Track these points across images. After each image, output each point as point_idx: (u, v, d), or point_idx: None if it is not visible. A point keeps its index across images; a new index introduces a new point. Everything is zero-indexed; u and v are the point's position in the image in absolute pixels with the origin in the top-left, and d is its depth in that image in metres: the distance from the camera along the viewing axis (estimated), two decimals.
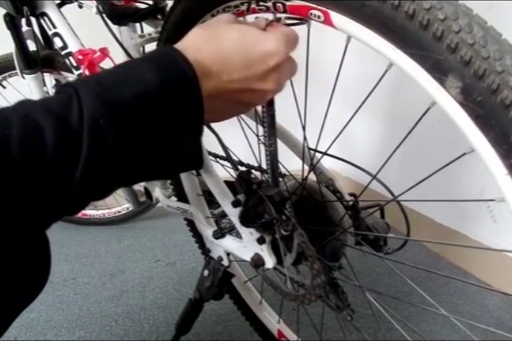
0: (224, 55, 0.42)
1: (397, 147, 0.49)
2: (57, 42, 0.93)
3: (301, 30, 0.49)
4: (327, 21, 0.43)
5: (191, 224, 0.91)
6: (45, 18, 0.95)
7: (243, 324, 0.99)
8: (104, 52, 0.89)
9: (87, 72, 0.88)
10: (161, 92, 0.38)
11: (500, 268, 1.21)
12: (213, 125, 0.70)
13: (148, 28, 0.87)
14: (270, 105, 0.58)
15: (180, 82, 0.39)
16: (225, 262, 0.80)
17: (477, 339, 0.59)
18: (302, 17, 0.47)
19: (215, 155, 0.80)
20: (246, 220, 0.61)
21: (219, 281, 0.80)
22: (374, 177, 0.57)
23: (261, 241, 0.62)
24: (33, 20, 1.00)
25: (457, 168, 1.28)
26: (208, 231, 0.76)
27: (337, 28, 0.43)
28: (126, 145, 0.37)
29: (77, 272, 1.42)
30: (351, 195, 0.65)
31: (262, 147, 0.69)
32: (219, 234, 0.72)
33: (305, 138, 0.65)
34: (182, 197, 0.87)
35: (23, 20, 1.05)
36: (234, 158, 0.70)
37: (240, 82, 0.43)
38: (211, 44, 0.42)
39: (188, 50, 0.41)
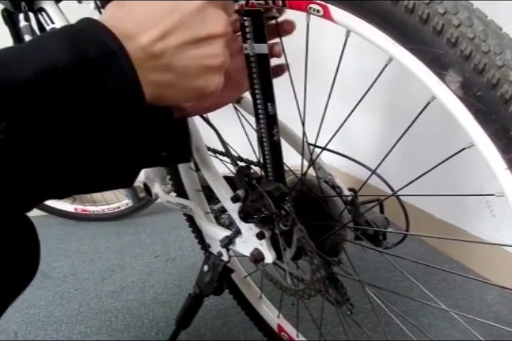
0: (142, 6, 0.35)
1: (397, 142, 0.49)
2: None
3: (300, 27, 0.48)
4: (326, 15, 0.43)
5: (191, 219, 0.91)
6: (43, 14, 0.94)
7: (243, 319, 1.00)
8: None
9: None
10: (74, 67, 0.30)
11: (498, 263, 1.22)
12: (212, 121, 0.70)
13: None
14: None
15: (98, 50, 0.31)
16: (225, 257, 0.80)
17: (476, 333, 0.60)
18: (302, 11, 0.47)
19: (214, 151, 0.80)
20: (245, 215, 0.61)
21: (219, 276, 0.80)
22: (373, 172, 0.57)
23: (260, 236, 0.62)
24: (31, 15, 1.00)
25: (457, 164, 1.28)
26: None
27: (336, 22, 0.43)
28: (28, 139, 0.29)
29: (77, 268, 1.42)
30: (350, 190, 0.65)
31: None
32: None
33: (304, 134, 0.65)
34: (181, 192, 0.87)
35: (21, 16, 1.04)
36: (233, 153, 0.70)
37: (173, 34, 0.34)
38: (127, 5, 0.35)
39: (106, 18, 0.34)
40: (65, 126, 0.30)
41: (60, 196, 0.35)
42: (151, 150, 0.37)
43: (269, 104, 0.56)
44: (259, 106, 0.56)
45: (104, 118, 0.32)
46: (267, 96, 0.55)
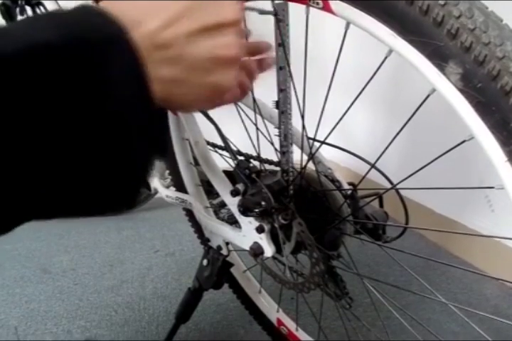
0: None
1: (396, 135, 0.49)
2: None
3: (300, 21, 0.48)
4: (326, 8, 0.43)
5: (190, 214, 0.91)
6: (41, 7, 0.94)
7: (242, 313, 1.00)
8: None
9: None
10: (64, 47, 0.25)
11: (498, 257, 1.22)
12: (211, 114, 0.69)
13: None
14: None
15: (93, 32, 0.26)
16: (224, 251, 0.80)
17: (475, 326, 0.60)
18: (302, 4, 0.46)
19: (214, 145, 0.79)
20: (245, 209, 0.61)
21: (218, 270, 0.80)
22: (373, 165, 0.57)
23: (260, 230, 0.62)
24: (29, 9, 0.99)
25: (456, 159, 1.28)
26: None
27: (336, 14, 0.42)
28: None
29: (77, 263, 1.42)
30: (350, 184, 0.65)
31: (261, 136, 0.69)
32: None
33: (304, 127, 0.65)
34: (181, 187, 0.87)
35: (18, 10, 1.04)
36: (232, 147, 0.70)
37: (181, 20, 0.30)
38: None
39: (105, 5, 0.29)
40: (49, 120, 0.24)
41: (41, 216, 0.28)
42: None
43: None
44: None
45: (101, 115, 0.26)
46: None
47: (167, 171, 0.93)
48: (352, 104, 0.53)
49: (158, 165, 0.99)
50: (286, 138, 0.61)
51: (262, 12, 0.50)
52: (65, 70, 0.24)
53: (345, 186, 0.64)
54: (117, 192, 0.29)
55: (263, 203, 0.59)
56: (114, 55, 0.26)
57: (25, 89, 0.23)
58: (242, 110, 0.72)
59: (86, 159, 0.26)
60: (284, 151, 0.61)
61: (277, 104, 0.59)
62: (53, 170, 0.25)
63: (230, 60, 0.33)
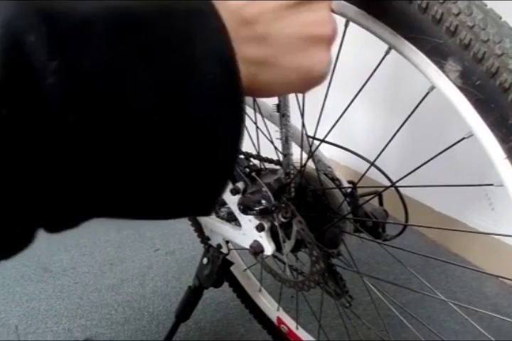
0: None
1: (396, 132, 0.49)
2: None
3: None
4: None
5: None
6: None
7: (243, 311, 1.00)
8: None
9: None
10: (150, 14, 0.22)
11: (497, 255, 1.22)
12: None
13: None
14: None
15: (181, 3, 0.23)
16: (224, 250, 0.80)
17: (475, 324, 0.60)
18: None
19: None
20: (245, 207, 0.61)
21: (218, 269, 0.80)
22: (372, 163, 0.57)
23: (260, 228, 0.62)
24: None
25: (456, 157, 1.28)
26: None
27: (335, 12, 0.42)
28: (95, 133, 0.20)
29: (77, 261, 1.42)
30: (350, 182, 0.65)
31: (261, 135, 0.69)
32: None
33: (303, 126, 0.65)
34: None
35: None
36: None
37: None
38: None
39: None
40: (132, 87, 0.21)
41: (103, 214, 0.25)
42: None
43: None
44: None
45: (188, 90, 0.22)
46: None
47: None
48: (351, 102, 0.53)
49: None
50: (287, 141, 0.61)
51: None
52: (146, 39, 0.21)
53: (345, 184, 0.64)
54: (200, 193, 0.26)
55: (263, 201, 0.59)
56: (201, 28, 0.23)
57: (109, 51, 0.20)
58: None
59: (173, 153, 0.23)
60: (286, 154, 0.61)
61: (278, 107, 0.59)
62: (134, 167, 0.22)
63: (324, 39, 0.30)
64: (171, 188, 0.24)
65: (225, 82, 0.24)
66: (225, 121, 0.24)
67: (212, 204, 0.27)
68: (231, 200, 0.65)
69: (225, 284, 0.88)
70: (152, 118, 0.21)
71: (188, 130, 0.23)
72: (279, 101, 0.59)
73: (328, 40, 0.30)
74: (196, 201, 0.26)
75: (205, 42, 0.23)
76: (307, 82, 0.30)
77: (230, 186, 0.64)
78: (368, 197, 0.63)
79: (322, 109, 0.59)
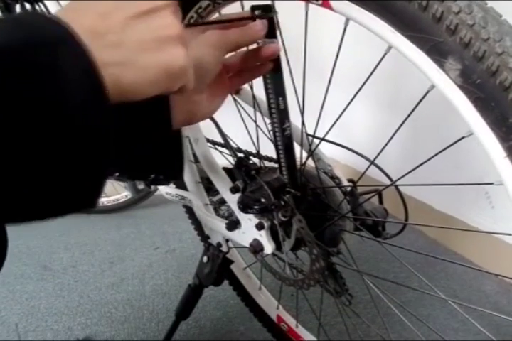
0: None
1: (396, 131, 0.49)
2: None
3: (299, 16, 0.48)
4: (325, 4, 0.43)
5: (190, 211, 0.91)
6: (40, 4, 0.93)
7: (243, 310, 1.00)
8: None
9: None
10: (14, 48, 0.26)
11: (497, 254, 1.22)
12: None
13: None
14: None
15: (40, 33, 0.27)
16: (224, 248, 0.80)
17: (475, 323, 0.60)
18: (301, 0, 0.46)
19: (214, 142, 0.79)
20: (244, 206, 0.61)
21: (218, 267, 0.81)
22: (372, 162, 0.57)
23: (260, 227, 0.62)
24: (28, 6, 0.99)
25: (456, 155, 1.28)
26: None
27: (335, 10, 0.42)
28: None
29: (77, 260, 1.42)
30: (349, 180, 0.65)
31: (261, 133, 0.69)
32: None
33: (303, 124, 0.65)
34: (180, 184, 0.87)
35: (18, 6, 1.03)
36: (232, 144, 0.70)
37: (114, 12, 0.32)
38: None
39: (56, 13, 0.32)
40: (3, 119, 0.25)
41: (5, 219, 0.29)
42: (138, 171, 0.32)
43: (280, 99, 0.55)
44: (271, 101, 0.55)
45: (53, 109, 0.26)
46: (278, 91, 0.54)
47: None
48: (351, 100, 0.53)
49: None
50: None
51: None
52: (13, 67, 0.25)
53: (345, 183, 0.64)
54: (76, 192, 0.30)
55: (263, 200, 0.59)
56: (63, 49, 0.27)
57: None
58: (242, 107, 0.72)
59: (45, 159, 0.27)
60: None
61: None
62: (11, 173, 0.26)
63: (174, 38, 0.35)
64: (47, 184, 0.28)
65: (90, 82, 0.28)
66: (92, 118, 0.28)
67: (89, 199, 0.31)
68: (231, 199, 0.65)
69: (225, 282, 0.88)
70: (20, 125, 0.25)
71: (60, 131, 0.26)
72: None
73: (179, 38, 0.35)
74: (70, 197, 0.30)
75: (68, 54, 0.27)
76: (170, 76, 0.35)
77: (230, 185, 0.64)
78: (367, 196, 0.63)
79: (322, 108, 0.59)
